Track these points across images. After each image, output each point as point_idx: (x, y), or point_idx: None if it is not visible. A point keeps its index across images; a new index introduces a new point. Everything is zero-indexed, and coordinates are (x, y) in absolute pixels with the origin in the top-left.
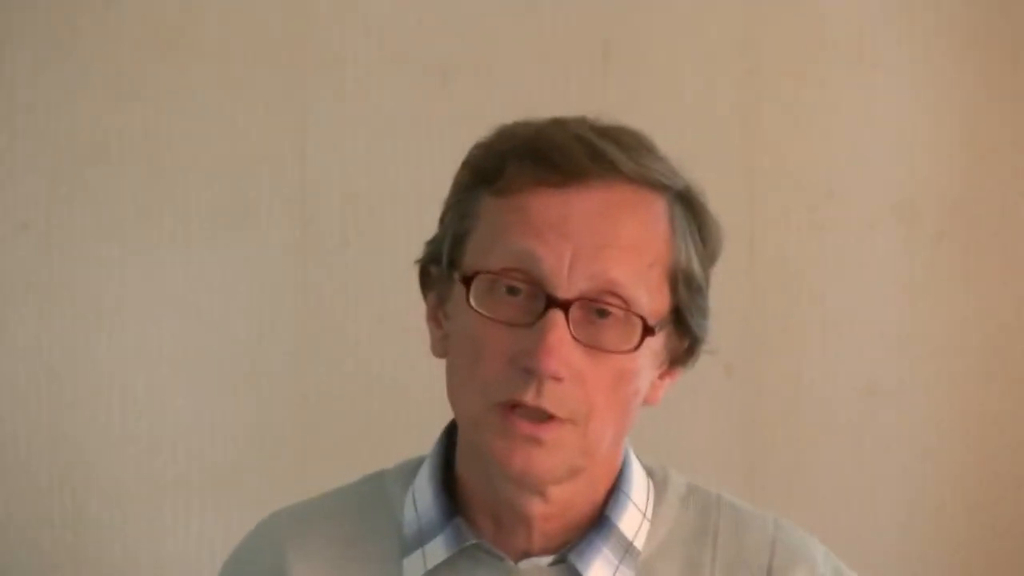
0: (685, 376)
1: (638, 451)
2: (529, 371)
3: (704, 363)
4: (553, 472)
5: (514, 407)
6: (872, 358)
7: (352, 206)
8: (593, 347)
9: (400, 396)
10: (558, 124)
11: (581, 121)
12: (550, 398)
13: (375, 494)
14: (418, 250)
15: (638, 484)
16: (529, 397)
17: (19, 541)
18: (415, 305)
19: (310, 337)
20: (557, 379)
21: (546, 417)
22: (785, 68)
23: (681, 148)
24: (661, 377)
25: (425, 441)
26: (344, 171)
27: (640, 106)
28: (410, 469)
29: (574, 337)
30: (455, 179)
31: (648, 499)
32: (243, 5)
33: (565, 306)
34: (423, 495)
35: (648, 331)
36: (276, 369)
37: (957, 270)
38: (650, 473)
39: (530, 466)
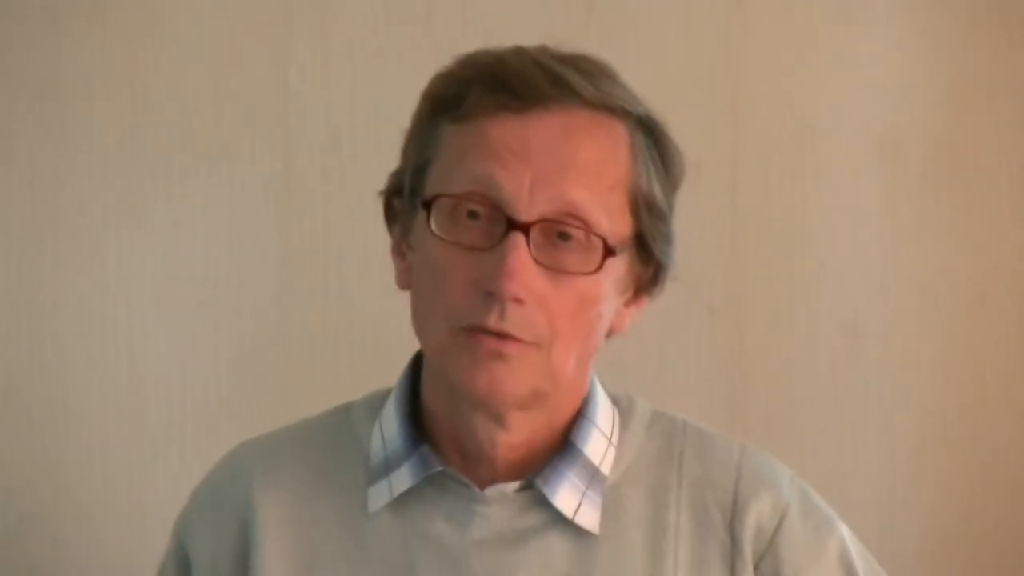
0: (669, 314)
1: (620, 386)
2: (491, 294)
3: (688, 302)
4: (516, 391)
5: (479, 331)
6: (855, 297)
7: (334, 141)
8: (555, 269)
9: (382, 331)
10: (518, 51)
11: (543, 49)
12: (512, 321)
13: (342, 425)
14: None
15: (603, 411)
16: (492, 321)
17: (4, 482)
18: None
19: (292, 272)
20: (519, 302)
21: (510, 339)
22: (768, 7)
23: (665, 84)
24: (627, 305)
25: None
26: (327, 107)
27: (624, 41)
28: (377, 400)
29: (536, 260)
30: (416, 110)
31: (614, 426)
32: None
33: (525, 229)
34: (389, 425)
35: (609, 252)
36: (258, 304)
37: (942, 209)
38: (615, 401)
39: (494, 383)
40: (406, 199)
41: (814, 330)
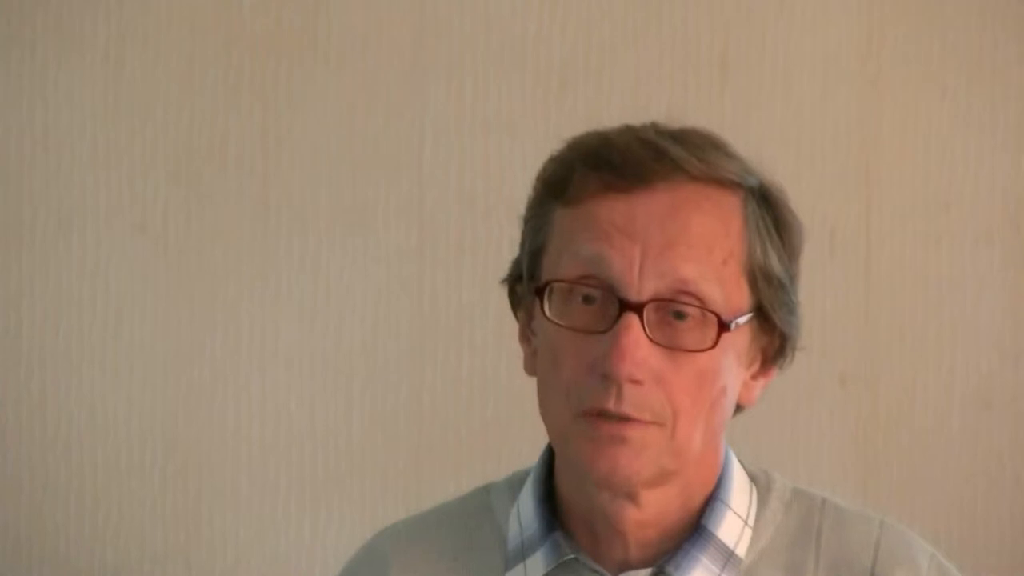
0: (800, 386)
1: (750, 460)
2: (607, 377)
3: (819, 373)
4: (640, 473)
5: (599, 414)
6: (987, 370)
7: (469, 209)
8: (671, 348)
9: (515, 401)
10: (624, 130)
11: (650, 126)
12: (631, 402)
13: (482, 507)
14: None
15: (739, 491)
16: (611, 403)
17: (131, 541)
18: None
19: (426, 340)
20: (636, 382)
21: (630, 420)
22: (904, 76)
23: (798, 156)
24: (754, 377)
25: (539, 447)
26: (461, 174)
27: (758, 115)
28: (517, 482)
29: (651, 339)
30: (530, 194)
31: (751, 505)
32: (363, 5)
33: (638, 308)
34: (526, 508)
35: (723, 327)
36: (391, 372)
37: None
38: (754, 479)
39: (616, 466)
40: (525, 285)
41: (947, 402)
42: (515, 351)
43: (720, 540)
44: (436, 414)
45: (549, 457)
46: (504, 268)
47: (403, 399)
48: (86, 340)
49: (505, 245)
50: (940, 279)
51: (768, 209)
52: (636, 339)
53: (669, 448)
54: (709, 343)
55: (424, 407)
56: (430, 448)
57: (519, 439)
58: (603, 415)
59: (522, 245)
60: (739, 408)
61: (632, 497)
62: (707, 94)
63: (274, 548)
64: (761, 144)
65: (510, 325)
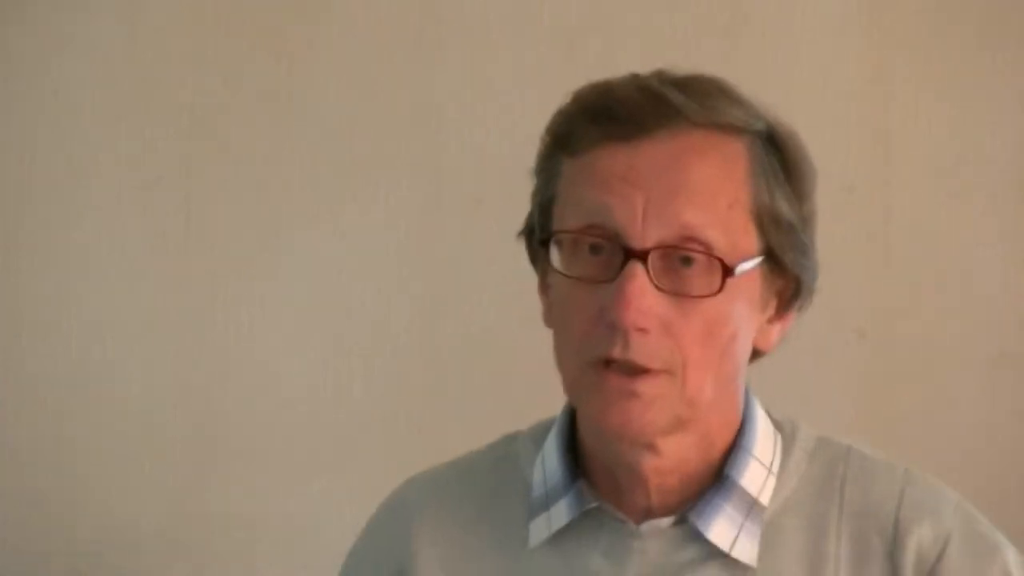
0: (818, 339)
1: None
2: (613, 326)
3: (837, 327)
4: (653, 425)
5: (607, 364)
6: (1005, 324)
7: (485, 165)
8: (677, 294)
9: (529, 358)
10: (628, 79)
11: (656, 74)
12: (638, 350)
13: (507, 456)
14: None
15: (763, 439)
16: (617, 351)
17: (148, 498)
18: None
19: (440, 297)
20: (642, 330)
21: (639, 370)
22: (921, 31)
23: (814, 113)
24: (770, 322)
25: (552, 404)
26: (476, 131)
27: (772, 71)
28: (542, 430)
29: (657, 287)
30: (539, 147)
31: (775, 454)
32: None
33: (643, 256)
34: (551, 458)
35: (728, 272)
36: (405, 329)
37: None
38: (779, 427)
39: (628, 421)
40: (536, 238)
41: (965, 356)
42: (529, 308)
43: (743, 488)
44: (451, 372)
45: (572, 405)
46: (518, 226)
47: (417, 357)
48: (101, 298)
49: (522, 201)
50: (958, 233)
51: (776, 152)
52: (641, 287)
53: (680, 397)
54: (715, 288)
55: (439, 365)
56: (442, 404)
57: (534, 396)
58: (611, 364)
59: (533, 198)
60: (757, 353)
61: (650, 446)
62: (720, 51)
63: (287, 509)
64: (776, 101)
65: (524, 282)
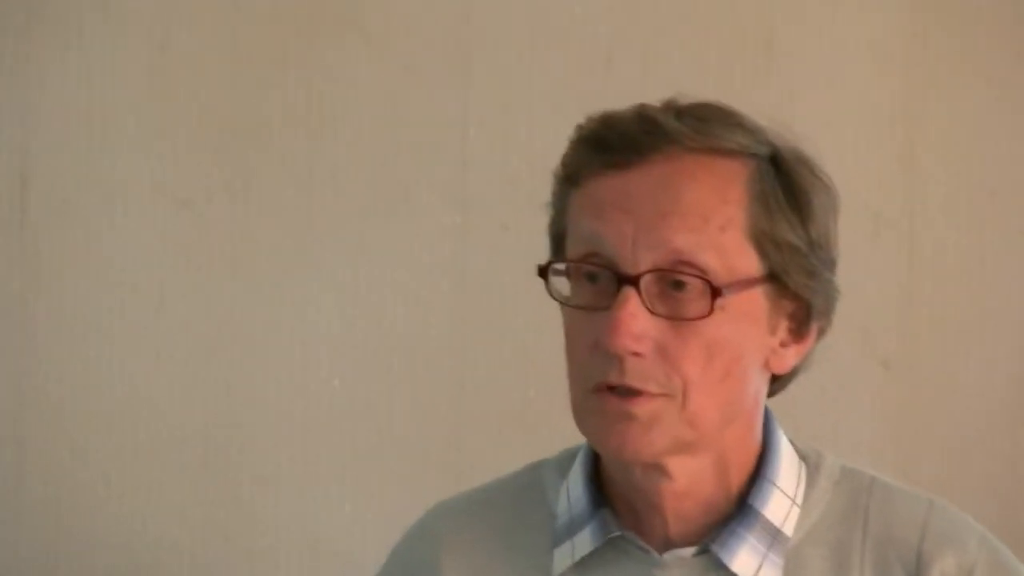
0: (843, 371)
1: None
2: (608, 352)
3: (862, 357)
4: (652, 446)
5: (608, 389)
6: None
7: (512, 190)
8: (671, 317)
9: (556, 383)
10: (632, 108)
11: (664, 102)
12: (633, 375)
13: (533, 484)
14: None
15: (786, 469)
16: (613, 377)
17: (171, 518)
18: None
19: (467, 321)
20: (636, 355)
21: (636, 393)
22: (950, 61)
23: (843, 140)
24: (784, 345)
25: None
26: (505, 155)
27: (802, 98)
28: (568, 458)
29: (651, 311)
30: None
31: (799, 484)
32: None
33: (635, 281)
34: (575, 486)
35: (716, 293)
36: (433, 352)
37: None
38: (803, 457)
39: (625, 442)
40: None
41: (990, 386)
42: (555, 332)
43: (766, 519)
44: (476, 394)
45: None
46: (545, 249)
47: (444, 378)
48: (128, 316)
49: (545, 229)
50: (983, 265)
51: (779, 175)
52: (632, 312)
53: (681, 419)
54: (705, 311)
55: (465, 387)
56: (470, 428)
57: (559, 420)
58: (610, 390)
59: (548, 232)
60: (779, 378)
61: (660, 468)
62: (752, 76)
63: (313, 526)
64: (805, 127)
65: (550, 306)
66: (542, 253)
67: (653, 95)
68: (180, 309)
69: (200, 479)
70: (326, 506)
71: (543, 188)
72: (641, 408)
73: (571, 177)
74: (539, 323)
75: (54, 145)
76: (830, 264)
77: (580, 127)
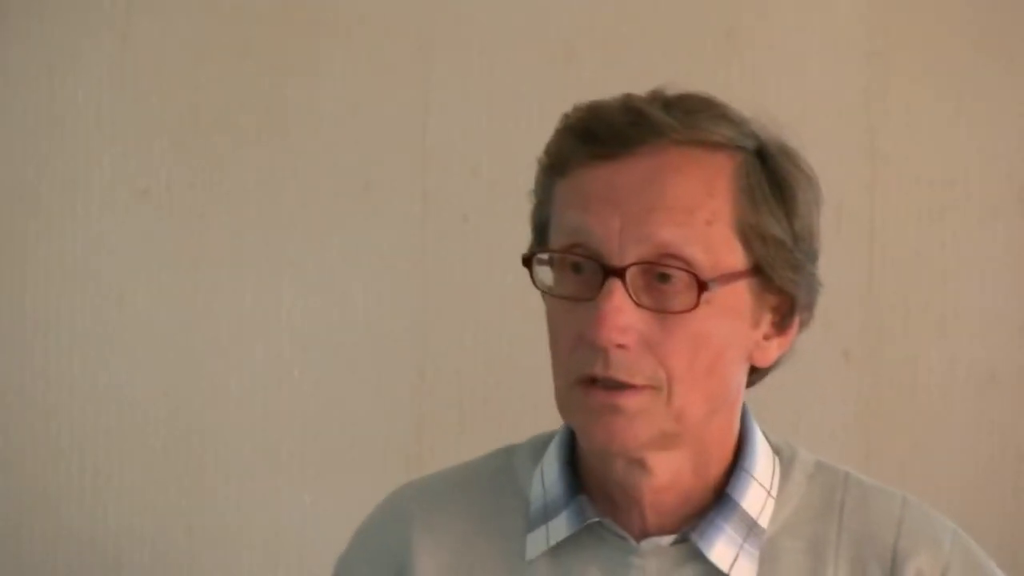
0: (803, 362)
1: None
2: (594, 344)
3: (822, 349)
4: (637, 439)
5: (592, 381)
6: (992, 347)
7: (473, 181)
8: (656, 310)
9: (517, 373)
10: (619, 99)
11: (650, 94)
12: (618, 367)
13: (504, 468)
14: None
15: (762, 462)
16: (598, 369)
17: (133, 509)
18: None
19: (429, 312)
20: (621, 347)
21: (621, 386)
22: (912, 51)
23: (803, 132)
24: (767, 338)
25: (541, 419)
26: (465, 146)
27: (763, 88)
28: (540, 444)
29: (636, 303)
30: (536, 171)
31: (773, 477)
32: None
33: (620, 273)
34: (550, 471)
35: (703, 287)
36: (393, 343)
37: None
38: (777, 451)
39: (612, 435)
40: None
41: (951, 378)
42: (516, 323)
43: (744, 510)
44: (437, 383)
45: None
46: (507, 240)
47: (404, 368)
48: (89, 306)
49: (508, 217)
50: (944, 254)
51: (765, 169)
52: (618, 304)
53: (666, 412)
54: (691, 304)
55: (426, 378)
56: (432, 419)
57: (521, 410)
58: (596, 382)
59: (531, 221)
60: (756, 371)
61: (641, 463)
62: (713, 67)
63: (275, 517)
64: (764, 116)
65: (512, 297)
66: (502, 244)
67: (614, 86)
68: (140, 299)
69: (162, 469)
70: (287, 495)
71: (503, 179)
72: (627, 401)
73: (556, 166)
74: (500, 313)
75: (13, 135)
76: (813, 257)
77: (567, 116)
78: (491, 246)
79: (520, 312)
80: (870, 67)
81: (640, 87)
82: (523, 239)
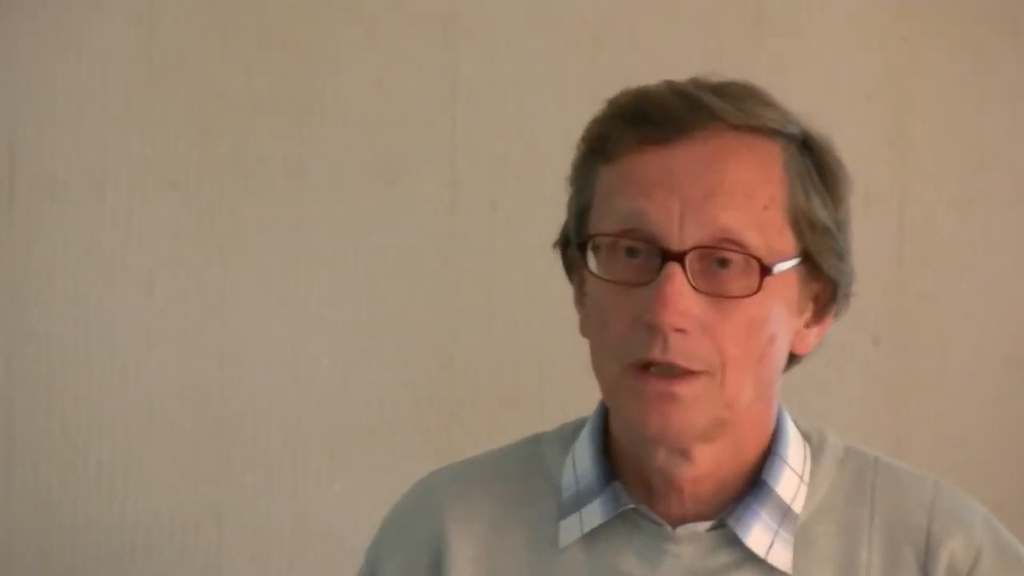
0: (833, 348)
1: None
2: (652, 327)
3: (852, 334)
4: (693, 427)
5: (646, 366)
6: (1020, 332)
7: (501, 168)
8: (715, 295)
9: (545, 360)
10: (663, 85)
11: (691, 80)
12: (677, 351)
13: (533, 456)
14: (564, 213)
15: (794, 448)
16: (656, 353)
17: (161, 498)
18: (561, 269)
19: (457, 299)
20: (681, 331)
21: (679, 372)
22: (938, 36)
23: (831, 117)
24: (807, 326)
25: (568, 406)
26: (493, 134)
27: (791, 73)
28: (568, 432)
29: (695, 288)
30: (574, 156)
31: (805, 462)
32: None
33: (680, 258)
34: (582, 458)
35: (765, 271)
36: (423, 330)
37: None
38: (806, 437)
39: (668, 424)
40: (573, 247)
41: (980, 363)
42: (545, 310)
43: (778, 495)
44: (467, 373)
45: (605, 409)
46: (536, 227)
47: (433, 356)
48: (118, 297)
49: (536, 204)
50: (973, 239)
51: (811, 156)
52: (679, 288)
53: (719, 398)
54: (753, 288)
55: (455, 366)
56: (460, 407)
57: (549, 397)
58: (651, 367)
59: (569, 207)
60: (793, 358)
61: (685, 453)
62: (740, 51)
63: (304, 506)
64: (793, 102)
65: (540, 284)
66: (531, 232)
67: (642, 73)
68: (170, 289)
69: (191, 459)
70: (316, 485)
71: (531, 166)
72: (685, 389)
73: (601, 151)
74: (528, 301)
75: (43, 126)
76: (849, 246)
77: (613, 101)
78: (520, 234)
79: (549, 300)
80: (898, 52)
81: (667, 74)
82: (552, 226)
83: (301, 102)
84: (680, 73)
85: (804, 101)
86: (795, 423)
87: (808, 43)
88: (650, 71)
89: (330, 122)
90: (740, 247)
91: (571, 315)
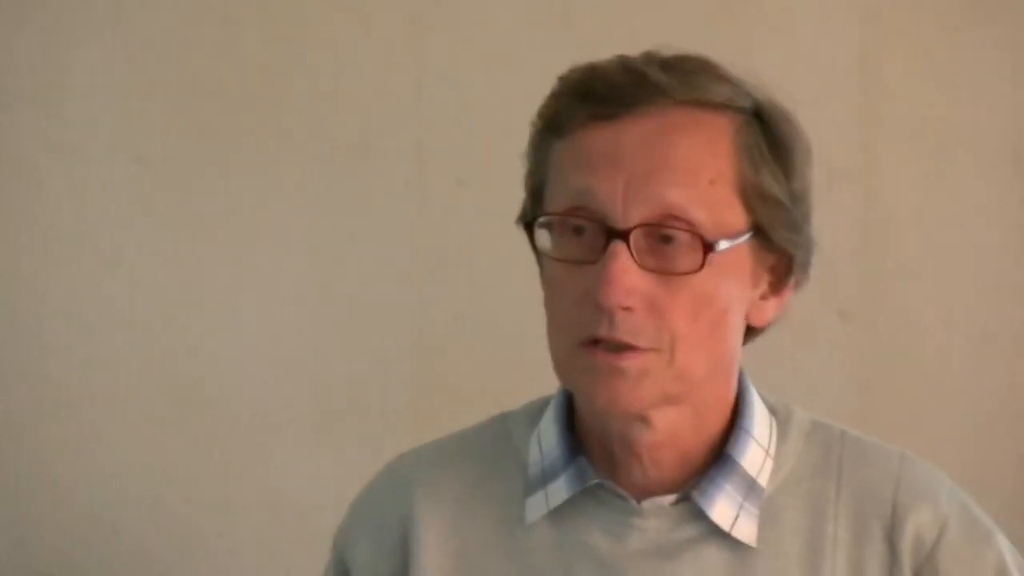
0: (800, 323)
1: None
2: (599, 306)
3: (819, 309)
4: (641, 401)
5: (595, 343)
6: (988, 306)
7: (467, 146)
8: (661, 272)
9: (513, 337)
10: (614, 60)
11: (644, 55)
12: (623, 329)
13: (500, 434)
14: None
15: (760, 421)
16: (603, 331)
17: (129, 475)
18: (528, 246)
19: (425, 275)
20: (627, 309)
21: (625, 347)
22: (908, 12)
23: (798, 91)
24: (764, 297)
25: (537, 383)
26: (461, 108)
27: (758, 48)
28: (535, 409)
29: (640, 265)
30: (530, 133)
31: (771, 436)
32: None
33: (624, 235)
34: (548, 435)
35: (709, 248)
36: (391, 307)
37: None
38: (773, 410)
39: (615, 397)
40: (523, 227)
41: (947, 337)
42: (512, 286)
43: (743, 469)
44: (435, 350)
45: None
46: (502, 204)
47: (401, 333)
48: (85, 272)
49: (504, 181)
50: (939, 214)
51: (763, 129)
52: (623, 266)
53: (669, 373)
54: (697, 265)
55: (423, 343)
56: (429, 384)
57: (518, 375)
58: (598, 343)
59: (525, 184)
60: (752, 330)
61: (642, 418)
62: (706, 27)
63: (273, 483)
64: (760, 78)
65: (508, 260)
66: (498, 208)
67: (609, 47)
68: (137, 266)
69: (161, 435)
70: (284, 462)
71: (498, 143)
72: (630, 363)
73: (553, 128)
74: (496, 277)
75: (9, 101)
76: (808, 217)
77: (563, 78)
78: (486, 210)
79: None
80: (864, 28)
81: (635, 48)
82: (518, 203)
83: (269, 79)
84: (645, 49)
85: (770, 76)
86: (762, 397)
87: (774, 18)
88: (618, 46)
89: (297, 98)
90: (685, 223)
91: (539, 292)
